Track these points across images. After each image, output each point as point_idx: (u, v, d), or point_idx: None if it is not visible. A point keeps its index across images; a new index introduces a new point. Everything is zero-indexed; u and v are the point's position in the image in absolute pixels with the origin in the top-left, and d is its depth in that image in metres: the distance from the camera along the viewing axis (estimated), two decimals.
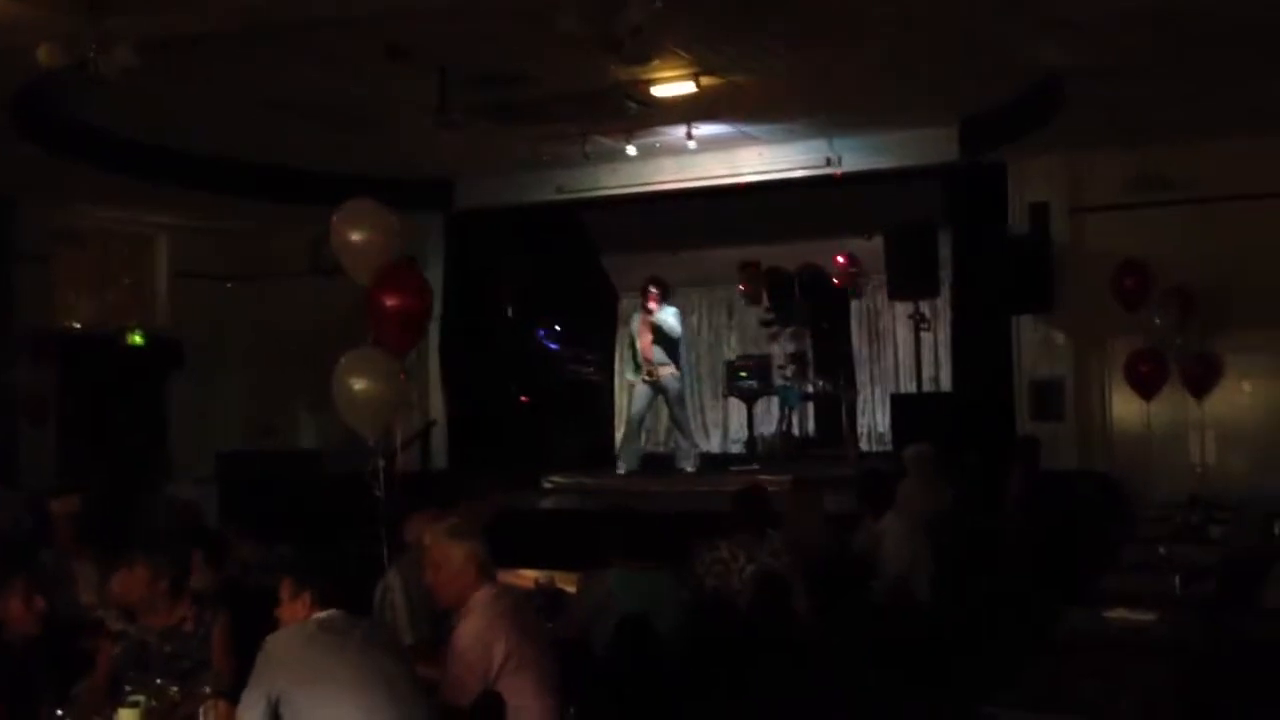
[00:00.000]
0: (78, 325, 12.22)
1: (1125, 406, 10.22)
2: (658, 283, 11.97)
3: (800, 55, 8.12)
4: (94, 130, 9.63)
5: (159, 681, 4.17)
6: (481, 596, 4.19)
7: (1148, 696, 4.01)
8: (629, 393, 12.65)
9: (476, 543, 4.31)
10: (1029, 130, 9.42)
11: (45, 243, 11.46)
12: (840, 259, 13.01)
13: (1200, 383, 9.86)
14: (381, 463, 6.10)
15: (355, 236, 6.19)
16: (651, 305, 11.90)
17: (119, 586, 4.98)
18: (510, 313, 13.19)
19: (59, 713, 3.91)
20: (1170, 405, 9.97)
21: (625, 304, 14.31)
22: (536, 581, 6.08)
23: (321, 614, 3.80)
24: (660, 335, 11.88)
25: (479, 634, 4.08)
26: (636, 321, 12.13)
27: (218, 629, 4.78)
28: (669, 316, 11.94)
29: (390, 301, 6.13)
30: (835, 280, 13.19)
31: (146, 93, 7.95)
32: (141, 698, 3.92)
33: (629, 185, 11.51)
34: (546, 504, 11.41)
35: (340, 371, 6.07)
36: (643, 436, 12.75)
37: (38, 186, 10.25)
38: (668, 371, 11.96)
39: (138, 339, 12.36)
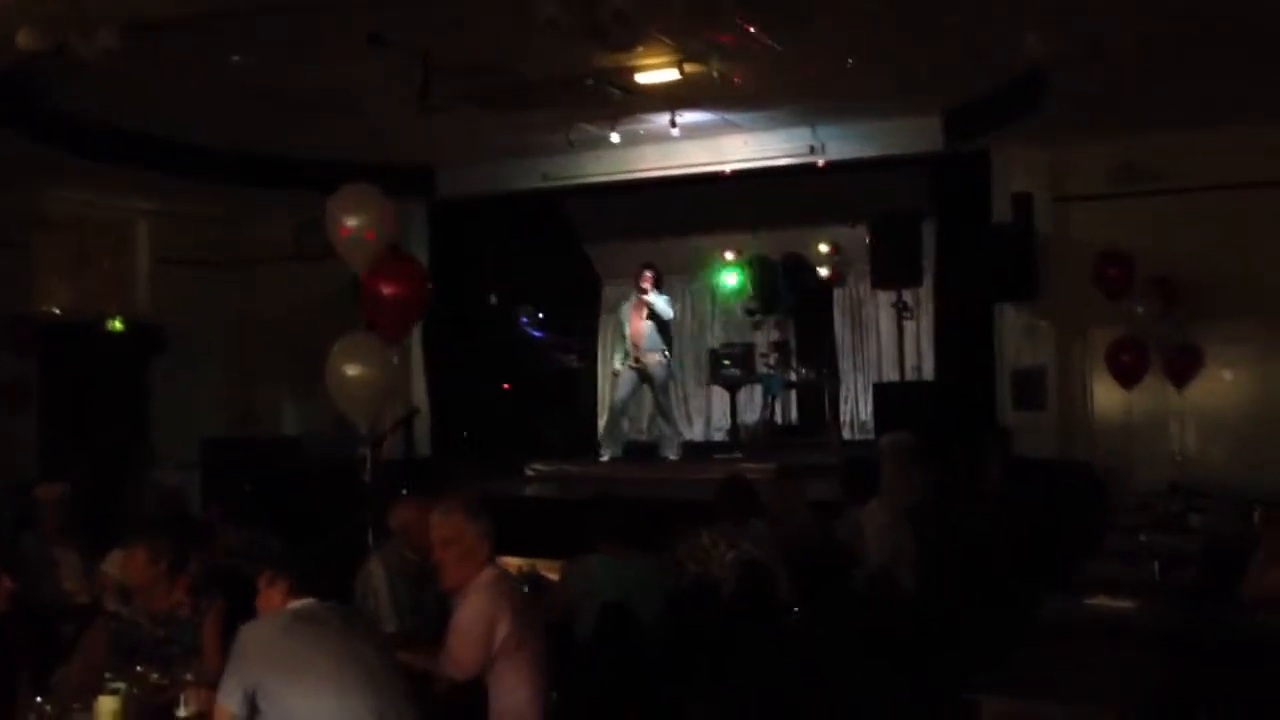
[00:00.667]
0: (57, 311, 12.11)
1: (1106, 396, 10.26)
2: (652, 267, 12.00)
3: (784, 42, 8.11)
4: (73, 115, 9.54)
5: (139, 669, 4.15)
6: (485, 577, 4.22)
7: (1127, 683, 4.04)
8: (613, 380, 12.65)
9: (489, 523, 4.32)
10: (1013, 120, 9.42)
11: (24, 227, 11.36)
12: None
13: (1181, 372, 9.91)
14: (367, 450, 6.08)
15: (351, 222, 6.10)
16: (645, 285, 11.89)
17: (120, 569, 4.94)
18: (493, 300, 13.17)
19: (39, 699, 3.87)
20: (1151, 394, 10.02)
21: (609, 291, 14.31)
22: (519, 569, 6.07)
23: (298, 603, 3.73)
24: (652, 316, 11.87)
25: (484, 610, 4.10)
26: (628, 306, 12.13)
27: (210, 617, 4.74)
28: (661, 300, 11.97)
29: (386, 289, 6.07)
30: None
31: (127, 78, 7.90)
32: (122, 685, 3.89)
33: (613, 173, 11.47)
34: (529, 491, 11.41)
35: (334, 357, 6.01)
36: (625, 424, 12.75)
37: (16, 171, 10.15)
38: (655, 359, 11.96)
39: (118, 325, 12.26)
